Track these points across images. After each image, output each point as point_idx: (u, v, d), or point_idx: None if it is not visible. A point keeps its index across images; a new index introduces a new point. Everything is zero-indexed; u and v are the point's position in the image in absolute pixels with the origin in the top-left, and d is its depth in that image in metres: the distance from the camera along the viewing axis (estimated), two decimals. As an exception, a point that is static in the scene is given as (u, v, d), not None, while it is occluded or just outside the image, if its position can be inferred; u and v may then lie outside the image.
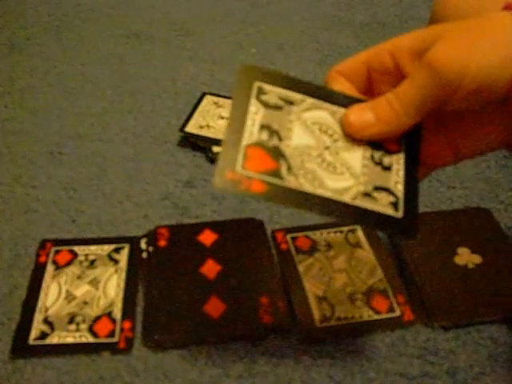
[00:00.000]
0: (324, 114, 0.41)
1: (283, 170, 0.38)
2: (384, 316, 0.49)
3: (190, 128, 0.68)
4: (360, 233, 0.56)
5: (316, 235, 0.56)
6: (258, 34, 0.92)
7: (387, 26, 0.94)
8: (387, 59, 0.40)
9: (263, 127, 0.39)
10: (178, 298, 0.50)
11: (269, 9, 1.00)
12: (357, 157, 0.40)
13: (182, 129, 0.68)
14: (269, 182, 0.37)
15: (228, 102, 0.74)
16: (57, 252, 0.54)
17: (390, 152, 0.41)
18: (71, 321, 0.49)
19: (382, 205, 0.39)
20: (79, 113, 0.75)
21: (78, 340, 0.47)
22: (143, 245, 0.55)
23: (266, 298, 0.50)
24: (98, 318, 0.49)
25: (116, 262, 0.53)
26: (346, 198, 0.38)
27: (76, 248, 0.55)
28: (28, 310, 0.49)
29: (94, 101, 0.77)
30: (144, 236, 0.56)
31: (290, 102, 0.40)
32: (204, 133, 0.67)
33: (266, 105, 0.40)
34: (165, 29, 0.94)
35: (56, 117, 0.74)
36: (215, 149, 0.66)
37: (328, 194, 0.38)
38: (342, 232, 0.56)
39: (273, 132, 0.39)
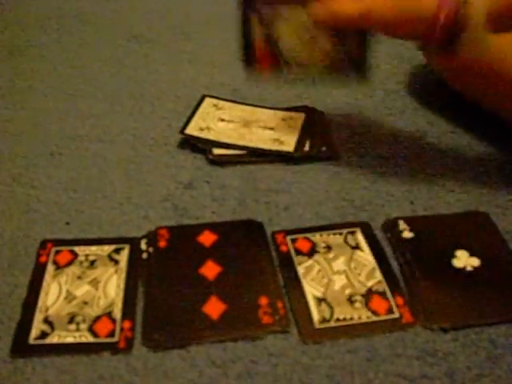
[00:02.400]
0: (303, 15, 0.58)
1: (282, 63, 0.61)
2: (383, 318, 0.49)
3: (191, 130, 0.69)
4: (359, 235, 0.56)
5: (315, 237, 0.56)
6: (257, 38, 0.92)
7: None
8: None
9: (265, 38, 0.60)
10: (177, 299, 0.50)
11: (268, 13, 1.00)
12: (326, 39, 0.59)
13: (182, 131, 0.69)
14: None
15: (228, 104, 0.74)
16: (57, 252, 0.54)
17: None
18: (71, 320, 0.49)
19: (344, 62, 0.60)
20: (79, 114, 0.75)
21: (78, 340, 0.47)
22: (143, 245, 0.55)
23: (265, 299, 0.50)
24: (98, 318, 0.49)
25: (116, 262, 0.54)
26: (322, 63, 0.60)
27: (76, 248, 0.55)
28: (28, 310, 0.49)
29: (94, 103, 0.77)
30: (144, 237, 0.56)
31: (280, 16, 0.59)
32: (204, 135, 0.68)
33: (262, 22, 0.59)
34: (165, 32, 0.95)
35: (56, 118, 0.74)
36: (216, 151, 0.66)
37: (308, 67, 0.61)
38: (341, 234, 0.56)
39: (272, 39, 0.60)
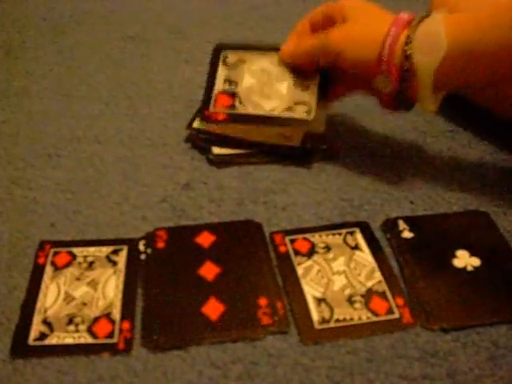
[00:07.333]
0: (266, 63, 0.68)
1: (237, 104, 0.65)
2: (383, 318, 0.49)
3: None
4: (359, 235, 0.56)
5: (315, 237, 0.56)
6: (254, 37, 0.92)
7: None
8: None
9: (226, 80, 0.67)
10: (176, 299, 0.50)
11: (266, 12, 1.00)
12: (285, 85, 0.66)
13: (189, 126, 0.68)
14: (228, 113, 0.65)
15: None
16: (56, 253, 0.54)
17: (308, 80, 0.66)
18: (70, 322, 0.48)
19: (299, 113, 0.64)
20: (76, 115, 0.74)
21: (77, 341, 0.47)
22: (141, 247, 0.55)
23: (264, 300, 0.50)
24: (97, 319, 0.49)
25: (114, 263, 0.53)
26: (275, 113, 0.64)
27: (75, 250, 0.54)
28: (27, 311, 0.49)
29: (90, 103, 0.77)
30: (142, 238, 0.56)
31: (244, 61, 0.68)
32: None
33: (227, 65, 0.68)
34: (161, 32, 0.94)
35: (53, 119, 0.74)
36: (215, 150, 0.65)
37: (263, 113, 0.64)
38: (340, 234, 0.56)
39: (231, 82, 0.67)
